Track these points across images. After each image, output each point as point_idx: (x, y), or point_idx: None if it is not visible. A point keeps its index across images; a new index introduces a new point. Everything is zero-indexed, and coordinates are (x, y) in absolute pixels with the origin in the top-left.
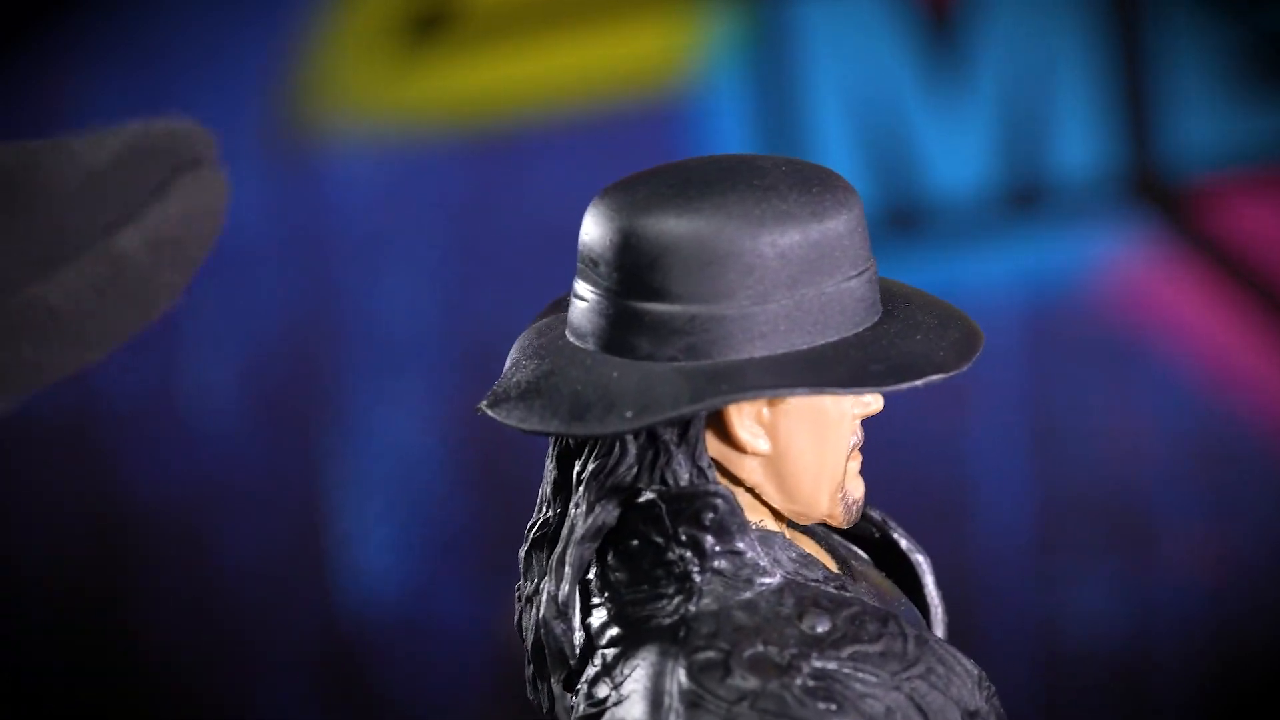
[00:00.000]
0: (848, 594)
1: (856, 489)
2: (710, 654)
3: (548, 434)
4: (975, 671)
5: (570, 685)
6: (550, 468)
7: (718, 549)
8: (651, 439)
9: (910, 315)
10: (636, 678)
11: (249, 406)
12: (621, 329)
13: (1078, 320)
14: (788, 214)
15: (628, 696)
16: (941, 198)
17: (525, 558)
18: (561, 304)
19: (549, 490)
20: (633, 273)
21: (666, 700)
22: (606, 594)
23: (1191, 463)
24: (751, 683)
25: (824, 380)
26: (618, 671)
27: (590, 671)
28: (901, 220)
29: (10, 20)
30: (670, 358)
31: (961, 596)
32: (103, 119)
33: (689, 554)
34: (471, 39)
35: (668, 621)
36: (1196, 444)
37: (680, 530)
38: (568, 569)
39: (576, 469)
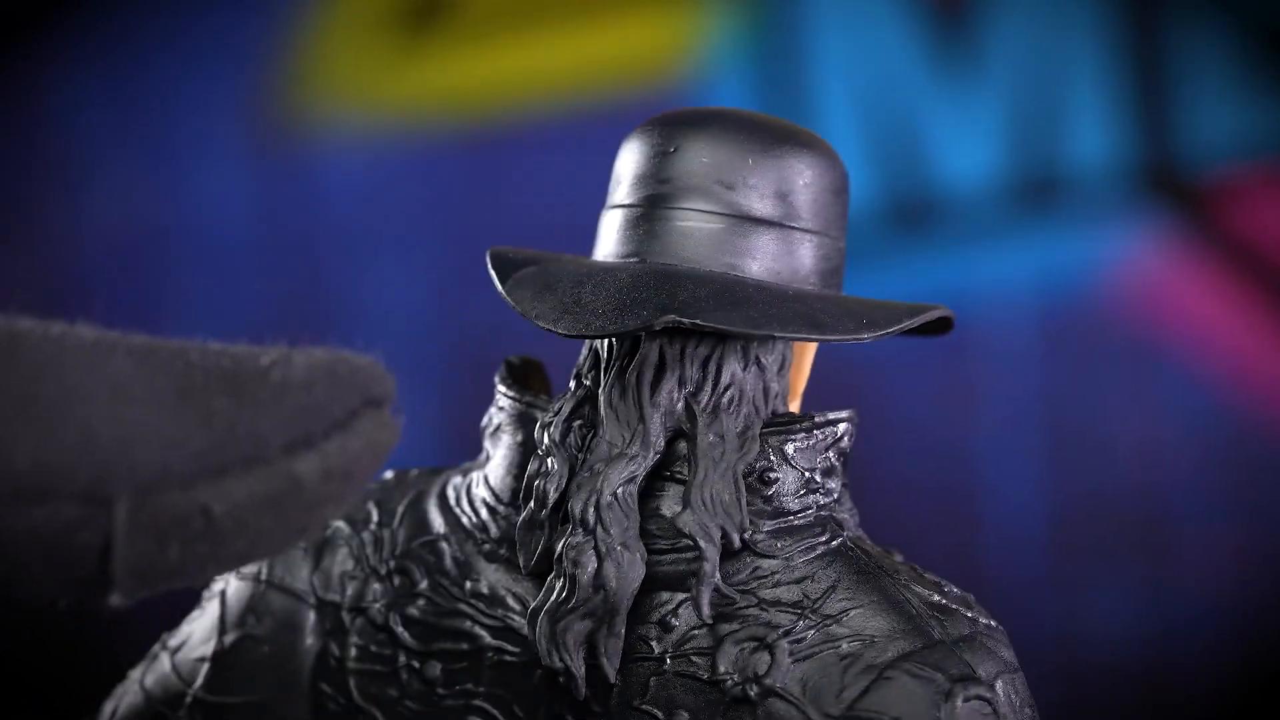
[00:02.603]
0: None
1: None
2: (914, 569)
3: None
4: None
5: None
6: (643, 401)
7: (844, 480)
8: (760, 370)
9: None
10: (854, 597)
11: None
12: (771, 255)
13: (1092, 319)
14: None
15: (854, 610)
16: (950, 192)
17: (602, 506)
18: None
19: (654, 427)
20: (783, 200)
21: (911, 609)
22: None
23: (1211, 465)
24: (962, 594)
25: (929, 314)
26: (813, 592)
27: (747, 602)
28: (909, 215)
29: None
30: (829, 286)
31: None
32: (94, 110)
33: (830, 483)
34: (467, 29)
35: (835, 545)
36: (1216, 446)
37: (830, 455)
38: (731, 496)
39: (676, 399)
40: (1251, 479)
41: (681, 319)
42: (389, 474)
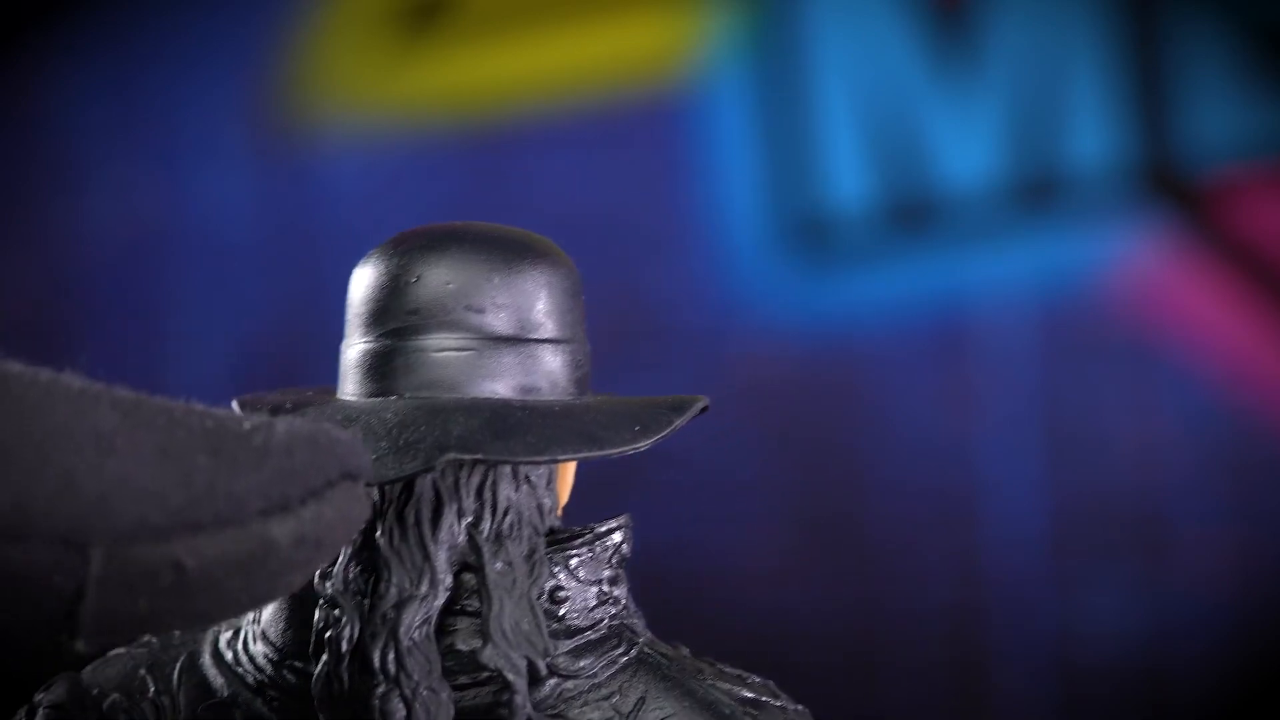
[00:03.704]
0: None
1: None
2: (712, 665)
3: (574, 459)
4: None
5: None
6: (425, 539)
7: (628, 585)
8: (531, 487)
9: None
10: (665, 705)
11: None
12: (529, 372)
13: (1091, 320)
14: None
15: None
16: (949, 192)
17: (402, 653)
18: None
19: (440, 564)
20: (531, 315)
21: (724, 708)
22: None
23: (1210, 466)
24: (763, 681)
25: (694, 409)
26: (624, 706)
27: None
28: (908, 215)
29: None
30: (584, 392)
31: (974, 604)
32: (94, 110)
33: (617, 591)
34: (467, 29)
35: (634, 654)
36: (1215, 447)
37: (613, 563)
38: (530, 623)
39: (458, 533)
40: (1250, 478)
41: (462, 455)
42: (148, 636)
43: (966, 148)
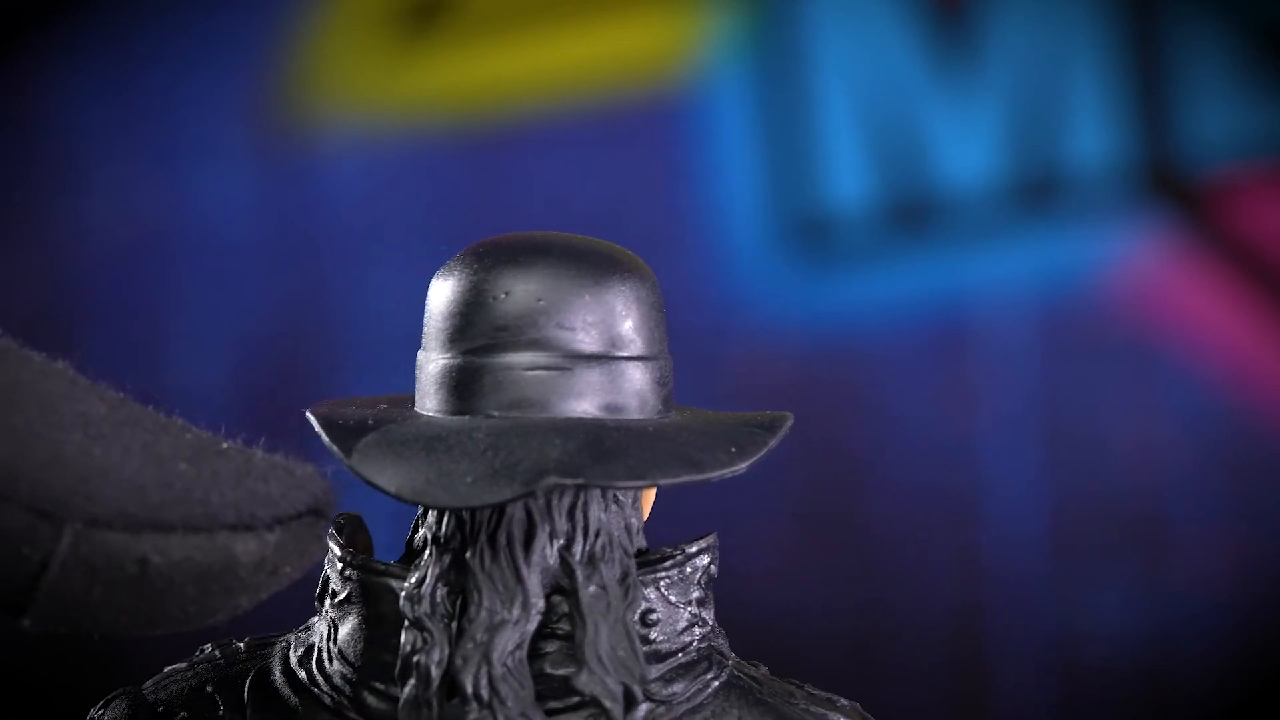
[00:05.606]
0: None
1: None
2: (801, 688)
3: (674, 484)
4: None
5: None
6: (518, 562)
7: (712, 608)
8: (620, 508)
9: None
10: None
11: (240, 404)
12: (617, 390)
13: (1091, 320)
14: None
15: None
16: (950, 192)
17: (496, 679)
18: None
19: (533, 587)
20: (620, 332)
21: None
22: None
23: (1210, 466)
24: (850, 704)
25: (785, 426)
26: None
27: None
28: (908, 215)
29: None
30: (669, 408)
31: (974, 604)
32: (94, 110)
33: (705, 613)
34: (467, 30)
35: (725, 677)
36: (1215, 445)
37: (700, 584)
38: (627, 649)
39: (550, 555)
40: (1250, 478)
41: (563, 480)
42: (210, 648)
43: (966, 148)
